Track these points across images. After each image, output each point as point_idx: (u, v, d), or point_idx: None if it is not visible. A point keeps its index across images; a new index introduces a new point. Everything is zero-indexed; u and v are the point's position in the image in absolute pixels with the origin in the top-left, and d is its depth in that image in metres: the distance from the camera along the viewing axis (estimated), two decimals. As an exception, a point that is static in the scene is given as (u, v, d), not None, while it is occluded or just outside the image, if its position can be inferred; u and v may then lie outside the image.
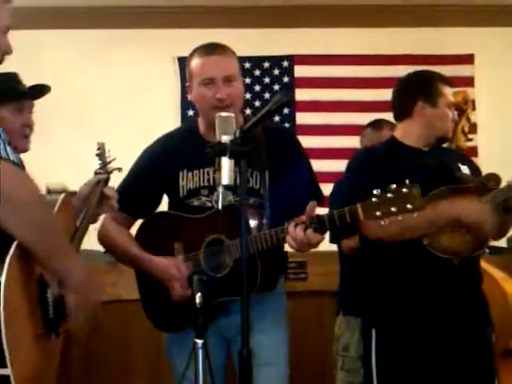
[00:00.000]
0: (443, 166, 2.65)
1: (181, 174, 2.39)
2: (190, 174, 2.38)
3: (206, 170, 2.36)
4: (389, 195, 2.03)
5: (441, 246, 2.53)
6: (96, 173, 2.34)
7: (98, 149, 2.39)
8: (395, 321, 2.55)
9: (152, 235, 2.40)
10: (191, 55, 2.40)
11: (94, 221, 2.30)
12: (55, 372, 1.86)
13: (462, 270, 2.55)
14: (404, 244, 2.46)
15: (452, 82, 2.77)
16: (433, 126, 2.69)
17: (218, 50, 2.37)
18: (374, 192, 2.05)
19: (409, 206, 2.02)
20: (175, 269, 2.27)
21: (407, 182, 2.04)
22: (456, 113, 3.10)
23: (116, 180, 2.42)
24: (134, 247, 2.40)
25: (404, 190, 2.03)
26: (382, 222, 2.06)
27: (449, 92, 2.71)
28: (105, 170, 2.34)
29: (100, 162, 2.37)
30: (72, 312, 1.72)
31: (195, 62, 2.37)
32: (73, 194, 2.15)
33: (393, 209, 2.03)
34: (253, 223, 2.24)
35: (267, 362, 2.25)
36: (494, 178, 2.64)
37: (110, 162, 2.36)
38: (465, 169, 2.70)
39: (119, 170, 2.40)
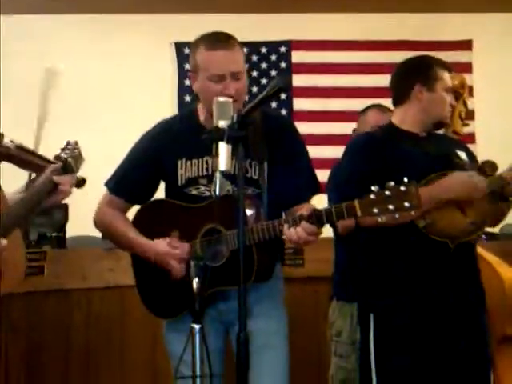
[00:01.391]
0: (442, 153, 2.65)
1: (179, 162, 2.35)
2: (188, 162, 2.35)
3: (205, 159, 2.33)
4: (386, 193, 2.02)
5: (436, 228, 2.54)
6: (55, 157, 2.35)
7: (67, 145, 2.39)
8: (392, 305, 2.56)
9: (149, 222, 2.39)
10: (196, 45, 2.33)
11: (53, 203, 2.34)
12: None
13: (457, 255, 2.56)
14: (398, 227, 2.46)
15: (451, 67, 2.77)
16: (430, 110, 2.69)
17: (225, 43, 2.30)
18: (372, 188, 2.04)
19: (406, 204, 2.02)
20: (170, 246, 2.26)
21: (405, 179, 2.03)
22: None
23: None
24: (130, 231, 2.38)
25: (402, 188, 2.02)
26: (379, 219, 2.05)
27: (447, 77, 2.70)
28: (61, 159, 2.34)
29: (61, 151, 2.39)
30: None
31: (202, 55, 2.31)
32: None
33: (390, 206, 2.02)
34: (250, 213, 2.23)
35: (266, 344, 2.25)
36: (491, 164, 2.64)
37: (68, 152, 2.36)
38: (462, 155, 2.70)
39: (78, 158, 2.40)
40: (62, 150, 2.38)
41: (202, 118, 2.38)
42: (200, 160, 2.34)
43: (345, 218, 2.11)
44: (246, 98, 2.40)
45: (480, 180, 2.58)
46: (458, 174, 2.57)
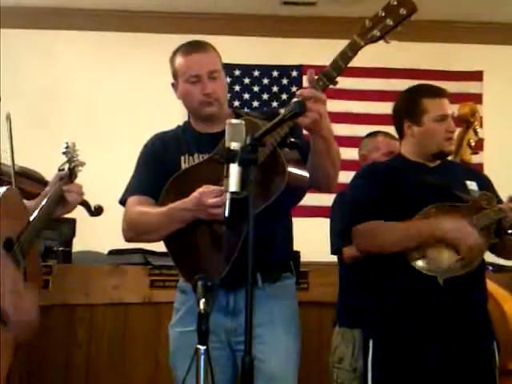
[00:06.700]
0: (444, 184, 2.63)
1: (182, 158, 2.42)
2: (190, 157, 2.42)
3: (204, 156, 2.38)
4: (380, 14, 2.01)
5: (426, 261, 2.54)
6: (59, 170, 2.36)
7: (66, 147, 2.39)
8: (393, 334, 2.56)
9: (174, 197, 2.33)
10: (174, 54, 2.47)
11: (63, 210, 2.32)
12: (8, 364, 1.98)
13: (452, 288, 2.53)
14: (390, 264, 2.53)
15: (440, 91, 2.72)
16: (423, 143, 2.70)
17: (199, 47, 2.45)
18: (366, 20, 2.01)
19: (403, 11, 1.98)
20: (200, 191, 2.22)
21: None
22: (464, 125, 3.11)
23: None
24: (164, 207, 2.34)
25: (392, 1, 1.99)
26: (385, 42, 2.01)
27: (437, 105, 2.67)
28: (68, 167, 2.35)
29: (66, 159, 2.38)
30: None
31: (179, 61, 2.44)
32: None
33: (389, 22, 1.99)
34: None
35: (274, 377, 2.24)
36: (486, 197, 2.62)
37: (73, 160, 2.37)
38: (472, 185, 2.68)
39: (82, 164, 2.39)
40: (64, 153, 2.37)
41: (193, 124, 2.49)
42: (201, 156, 2.39)
43: (350, 56, 2.07)
44: (227, 97, 2.48)
45: (469, 232, 2.52)
46: (456, 222, 2.54)
